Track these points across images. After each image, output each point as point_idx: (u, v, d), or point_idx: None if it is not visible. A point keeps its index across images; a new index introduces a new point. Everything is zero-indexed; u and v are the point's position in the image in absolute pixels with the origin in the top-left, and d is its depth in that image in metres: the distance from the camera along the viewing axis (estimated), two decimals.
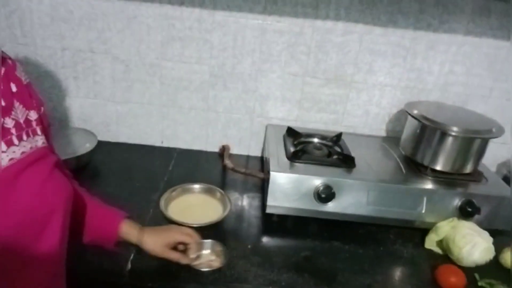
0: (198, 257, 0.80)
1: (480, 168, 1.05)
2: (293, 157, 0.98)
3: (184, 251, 0.78)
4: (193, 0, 1.04)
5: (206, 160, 1.22)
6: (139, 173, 1.11)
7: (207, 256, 0.82)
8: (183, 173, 1.12)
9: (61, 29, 1.08)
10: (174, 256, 0.75)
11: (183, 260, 0.76)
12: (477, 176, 1.02)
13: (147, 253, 0.75)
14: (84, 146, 1.08)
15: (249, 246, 0.88)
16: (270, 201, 0.93)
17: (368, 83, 1.16)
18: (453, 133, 0.96)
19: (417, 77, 1.16)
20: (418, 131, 1.03)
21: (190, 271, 0.77)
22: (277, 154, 1.01)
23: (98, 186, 1.04)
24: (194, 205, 0.98)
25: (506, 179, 1.22)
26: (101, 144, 1.21)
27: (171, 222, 0.88)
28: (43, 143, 0.60)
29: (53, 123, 1.20)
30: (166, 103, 1.19)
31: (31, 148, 0.56)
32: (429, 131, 1.00)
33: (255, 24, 1.08)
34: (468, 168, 1.01)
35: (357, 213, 0.95)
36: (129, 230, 0.75)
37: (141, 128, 1.23)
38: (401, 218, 0.96)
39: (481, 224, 0.93)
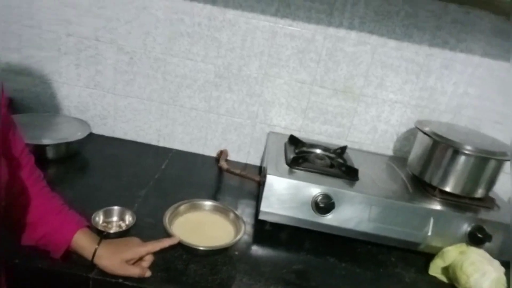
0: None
1: (492, 196, 0.98)
2: (292, 163, 0.92)
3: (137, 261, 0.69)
4: None
5: (202, 163, 1.16)
6: (129, 169, 1.05)
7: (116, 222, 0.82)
8: (175, 174, 1.07)
9: (68, 14, 1.06)
10: (135, 272, 0.67)
11: (145, 275, 0.68)
12: (488, 202, 0.95)
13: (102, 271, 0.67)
14: (75, 135, 1.03)
15: (236, 253, 0.80)
16: (264, 207, 0.87)
17: (378, 98, 1.12)
18: (466, 152, 0.90)
19: (429, 96, 1.11)
20: (428, 148, 0.97)
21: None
22: (276, 160, 0.95)
23: (84, 177, 0.99)
24: (202, 224, 0.82)
25: None
26: (95, 137, 1.17)
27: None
28: None
29: (49, 110, 1.17)
30: (167, 101, 1.15)
31: None
32: (440, 149, 0.94)
33: (266, 26, 1.05)
34: (480, 193, 0.94)
35: (357, 229, 0.87)
36: (83, 242, 0.67)
37: (138, 125, 1.18)
38: (405, 239, 0.88)
39: (492, 254, 0.84)
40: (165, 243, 0.71)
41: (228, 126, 1.17)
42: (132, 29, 1.07)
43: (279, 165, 0.92)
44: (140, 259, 0.70)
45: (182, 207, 0.82)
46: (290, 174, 0.89)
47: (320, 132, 1.16)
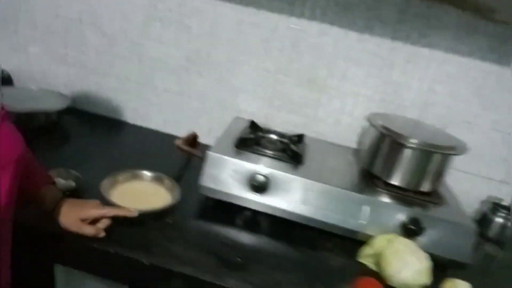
0: None
1: (444, 192, 0.97)
2: (239, 144, 0.96)
3: (94, 222, 0.74)
4: None
5: (172, 144, 1.22)
6: (99, 141, 1.14)
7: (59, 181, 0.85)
8: (141, 150, 1.14)
9: None
10: (89, 231, 0.72)
11: (99, 235, 0.73)
12: (435, 197, 0.94)
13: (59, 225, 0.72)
14: (53, 106, 1.14)
15: (170, 221, 0.86)
16: (203, 181, 0.91)
17: (341, 90, 1.13)
18: (410, 145, 0.89)
19: (394, 91, 1.11)
20: (375, 140, 0.97)
21: None
22: (225, 140, 0.99)
23: (53, 143, 1.09)
24: (141, 192, 0.89)
25: (484, 215, 1.12)
26: (78, 112, 1.27)
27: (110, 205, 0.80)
28: None
29: (41, 86, 1.28)
30: (143, 82, 1.22)
31: None
32: (385, 141, 0.95)
33: (232, 14, 1.10)
34: (425, 187, 0.93)
35: (291, 210, 0.90)
36: (49, 196, 0.72)
37: (116, 103, 1.27)
38: (341, 226, 0.89)
39: (426, 248, 0.84)
40: (122, 211, 0.76)
41: (198, 109, 1.23)
42: (112, 13, 1.16)
43: (226, 145, 0.97)
44: (97, 220, 0.74)
45: (121, 176, 0.89)
46: (232, 153, 0.93)
47: (286, 121, 1.19)
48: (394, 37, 1.05)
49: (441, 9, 1.00)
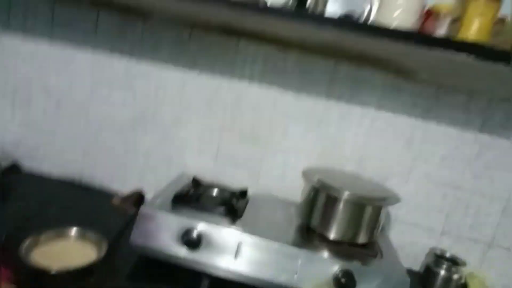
0: None
1: (382, 244, 0.98)
2: (176, 200, 0.96)
3: None
4: (123, 49, 1.16)
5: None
6: (41, 200, 1.12)
7: None
8: (84, 209, 1.12)
9: (6, 63, 1.22)
10: None
11: None
12: (371, 249, 0.94)
13: None
14: None
15: (92, 280, 0.82)
16: (135, 238, 0.89)
17: (283, 145, 1.17)
18: (341, 198, 0.92)
19: (331, 146, 1.16)
20: (310, 194, 0.99)
21: None
22: (163, 196, 0.99)
23: None
24: (64, 251, 0.86)
25: (428, 268, 1.11)
26: (22, 170, 1.26)
27: (29, 267, 0.78)
28: None
29: None
30: (90, 140, 1.24)
31: None
32: (319, 195, 0.97)
33: (176, 76, 1.16)
34: (361, 239, 0.94)
35: (224, 267, 0.88)
36: None
37: (63, 163, 1.27)
38: (274, 281, 0.87)
39: None
40: None
41: (145, 166, 1.24)
42: (60, 77, 1.21)
43: (162, 201, 0.96)
44: None
45: (45, 235, 0.86)
46: (167, 208, 0.93)
47: (232, 176, 1.21)
48: (328, 96, 1.12)
49: (367, 71, 1.09)
